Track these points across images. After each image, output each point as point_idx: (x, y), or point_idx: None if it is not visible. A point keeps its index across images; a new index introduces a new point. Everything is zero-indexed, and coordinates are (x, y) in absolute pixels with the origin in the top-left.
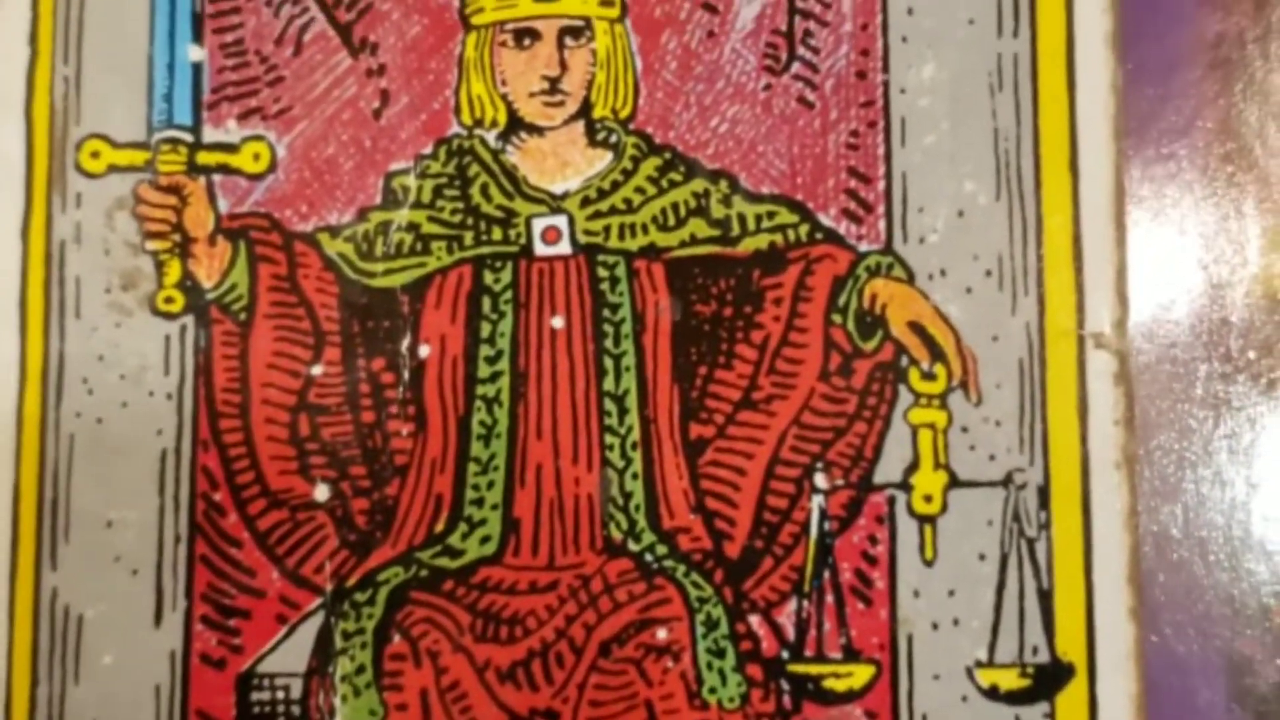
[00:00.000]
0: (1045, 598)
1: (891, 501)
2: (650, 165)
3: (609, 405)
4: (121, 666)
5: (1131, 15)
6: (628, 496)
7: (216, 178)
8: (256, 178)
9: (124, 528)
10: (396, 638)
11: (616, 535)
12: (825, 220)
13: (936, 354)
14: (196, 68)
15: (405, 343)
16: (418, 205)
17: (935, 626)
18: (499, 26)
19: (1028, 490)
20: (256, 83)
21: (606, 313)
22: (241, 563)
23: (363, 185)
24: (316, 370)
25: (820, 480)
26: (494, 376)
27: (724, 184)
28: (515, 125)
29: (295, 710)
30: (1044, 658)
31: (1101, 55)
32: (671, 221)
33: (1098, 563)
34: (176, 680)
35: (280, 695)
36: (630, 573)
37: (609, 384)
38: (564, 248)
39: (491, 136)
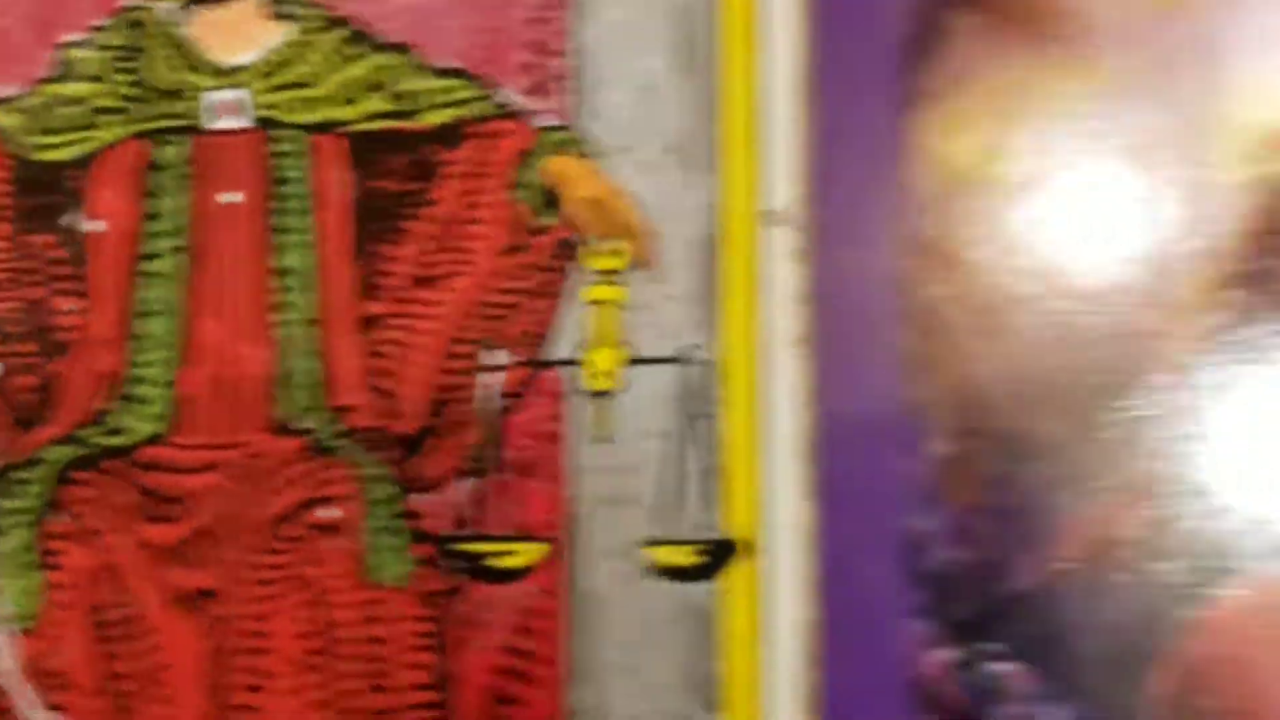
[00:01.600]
0: (719, 476)
1: (567, 379)
2: (331, 38)
3: (283, 282)
4: None
5: None
6: (300, 374)
7: None
8: None
9: None
10: (59, 516)
11: (287, 414)
12: (507, 96)
13: (616, 231)
14: None
15: (74, 218)
16: (90, 78)
17: (608, 503)
18: None
19: (704, 367)
20: None
21: (282, 188)
22: None
23: (35, 57)
24: None
25: (495, 357)
26: (165, 253)
27: (405, 58)
28: None
29: None
30: (716, 535)
31: None
32: (351, 96)
33: (772, 441)
34: None
35: None
36: (300, 451)
37: (283, 260)
38: (240, 121)
39: (169, 8)
